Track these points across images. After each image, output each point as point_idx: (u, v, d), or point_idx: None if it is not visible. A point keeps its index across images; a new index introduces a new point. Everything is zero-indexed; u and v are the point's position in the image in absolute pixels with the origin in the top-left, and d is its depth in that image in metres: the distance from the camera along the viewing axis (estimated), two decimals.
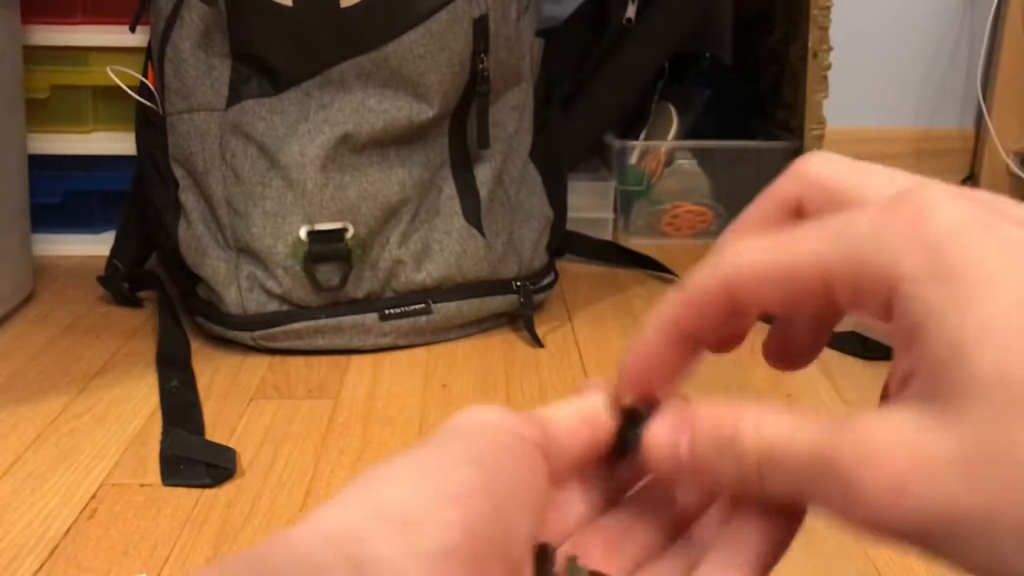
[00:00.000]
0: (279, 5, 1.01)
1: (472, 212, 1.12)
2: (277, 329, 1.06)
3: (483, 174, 1.13)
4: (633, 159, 1.48)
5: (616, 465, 0.28)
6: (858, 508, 0.20)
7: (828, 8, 1.38)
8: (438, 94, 1.06)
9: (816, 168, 0.25)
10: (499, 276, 1.13)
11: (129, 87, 1.13)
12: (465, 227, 1.11)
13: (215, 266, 1.07)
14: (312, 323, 1.06)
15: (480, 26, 1.07)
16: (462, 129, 1.12)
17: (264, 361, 1.05)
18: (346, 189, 1.05)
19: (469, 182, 1.12)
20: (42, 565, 0.70)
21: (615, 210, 1.47)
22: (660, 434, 0.25)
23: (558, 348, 1.10)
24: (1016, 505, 0.18)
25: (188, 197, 1.09)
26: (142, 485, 0.81)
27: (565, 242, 1.31)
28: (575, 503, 0.28)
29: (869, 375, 1.01)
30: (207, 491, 0.80)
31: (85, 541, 0.73)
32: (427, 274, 1.09)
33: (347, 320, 1.07)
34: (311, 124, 1.04)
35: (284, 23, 1.02)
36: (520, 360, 1.07)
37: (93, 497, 0.79)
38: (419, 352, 1.09)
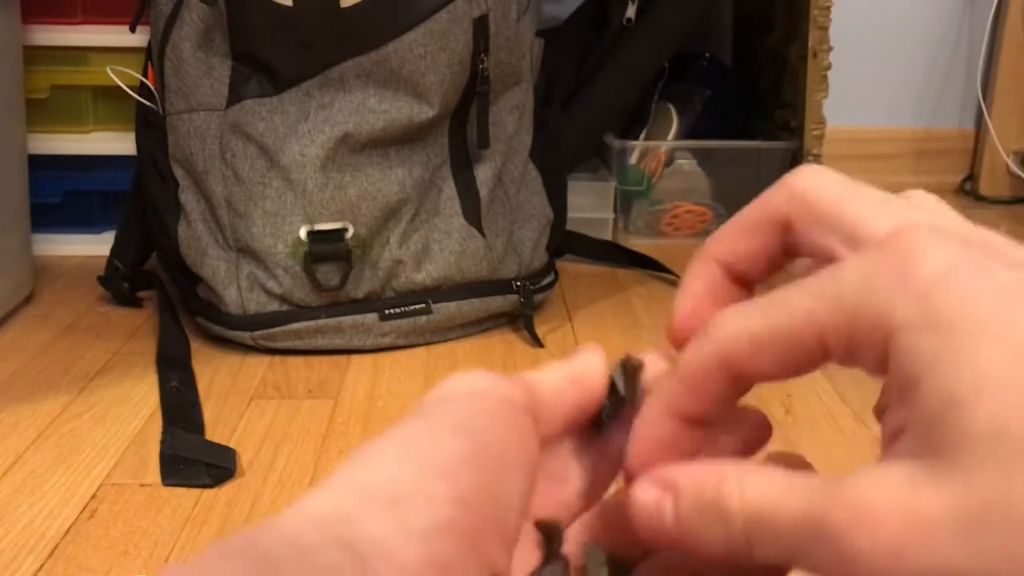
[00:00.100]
0: (279, 5, 1.01)
1: (472, 212, 1.12)
2: (277, 329, 1.06)
3: (483, 174, 1.13)
4: (633, 159, 1.48)
5: (605, 428, 0.27)
6: (853, 573, 0.19)
7: (828, 8, 1.38)
8: (438, 94, 1.06)
9: (805, 184, 0.25)
10: (499, 276, 1.13)
11: (129, 87, 1.13)
12: (465, 227, 1.11)
13: (215, 266, 1.07)
14: (312, 323, 1.06)
15: (480, 26, 1.07)
16: (462, 129, 1.12)
17: (264, 361, 1.05)
18: (346, 189, 1.05)
19: (469, 182, 1.12)
20: (42, 565, 0.70)
21: (615, 210, 1.47)
22: (643, 500, 0.24)
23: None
24: (1017, 566, 0.18)
25: (188, 197, 1.09)
26: (142, 485, 0.81)
27: (565, 242, 1.31)
28: (572, 471, 0.27)
29: (869, 376, 1.01)
30: (207, 491, 0.80)
31: (85, 541, 0.73)
32: (427, 274, 1.09)
33: (347, 320, 1.07)
34: (311, 124, 1.04)
35: (284, 23, 1.02)
36: (520, 360, 1.07)
37: (93, 497, 0.79)
38: (419, 352, 1.09)
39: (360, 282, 1.07)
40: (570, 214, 1.30)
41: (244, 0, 1.02)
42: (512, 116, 1.17)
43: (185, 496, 0.79)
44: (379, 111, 1.05)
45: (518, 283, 1.14)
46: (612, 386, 0.27)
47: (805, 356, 0.23)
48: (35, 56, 1.25)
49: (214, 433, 0.90)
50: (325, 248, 1.05)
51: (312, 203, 1.04)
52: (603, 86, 1.42)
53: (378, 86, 1.05)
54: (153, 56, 1.09)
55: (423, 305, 1.09)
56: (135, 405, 0.95)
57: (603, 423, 0.27)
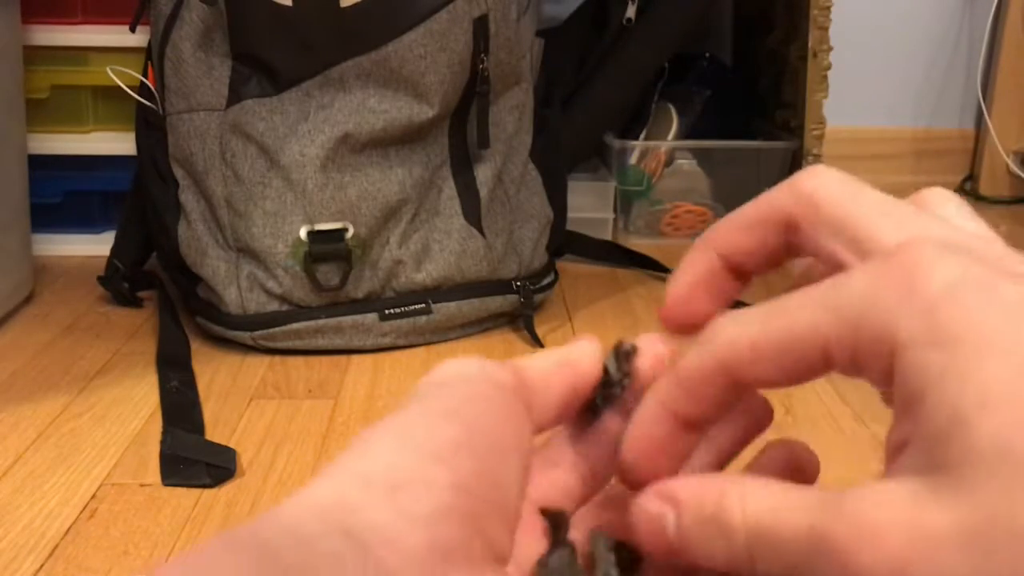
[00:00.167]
0: (279, 5, 1.01)
1: (472, 212, 1.12)
2: (277, 329, 1.06)
3: (483, 174, 1.13)
4: (633, 159, 1.48)
5: (601, 413, 0.27)
6: None
7: (828, 8, 1.38)
8: (438, 94, 1.06)
9: (813, 184, 0.25)
10: (499, 276, 1.13)
11: (129, 87, 1.13)
12: (465, 227, 1.11)
13: (215, 266, 1.07)
14: (312, 323, 1.06)
15: (480, 26, 1.07)
16: (462, 129, 1.12)
17: (264, 361, 1.05)
18: (346, 189, 1.05)
19: (469, 182, 1.12)
20: (42, 565, 0.70)
21: (615, 210, 1.47)
22: (645, 512, 0.24)
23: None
24: None
25: (188, 197, 1.09)
26: (142, 485, 0.81)
27: (565, 242, 1.31)
28: (568, 457, 0.27)
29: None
30: (207, 491, 0.80)
31: (85, 541, 0.73)
32: (427, 274, 1.09)
33: (347, 320, 1.07)
34: (311, 124, 1.04)
35: (284, 23, 1.02)
36: None
37: (93, 497, 0.79)
38: (419, 352, 1.09)
39: (360, 282, 1.07)
40: (570, 214, 1.30)
41: (244, 0, 1.02)
42: (512, 116, 1.17)
43: (185, 496, 0.79)
44: (379, 111, 1.05)
45: (518, 283, 1.14)
46: (606, 371, 0.27)
47: (807, 365, 0.22)
48: (35, 56, 1.25)
49: (214, 433, 0.90)
50: (325, 248, 1.05)
51: (312, 203, 1.04)
52: (603, 86, 1.42)
53: (378, 86, 1.05)
54: (153, 56, 1.09)
55: (423, 305, 1.09)
56: (135, 405, 0.95)
57: (598, 408, 0.27)
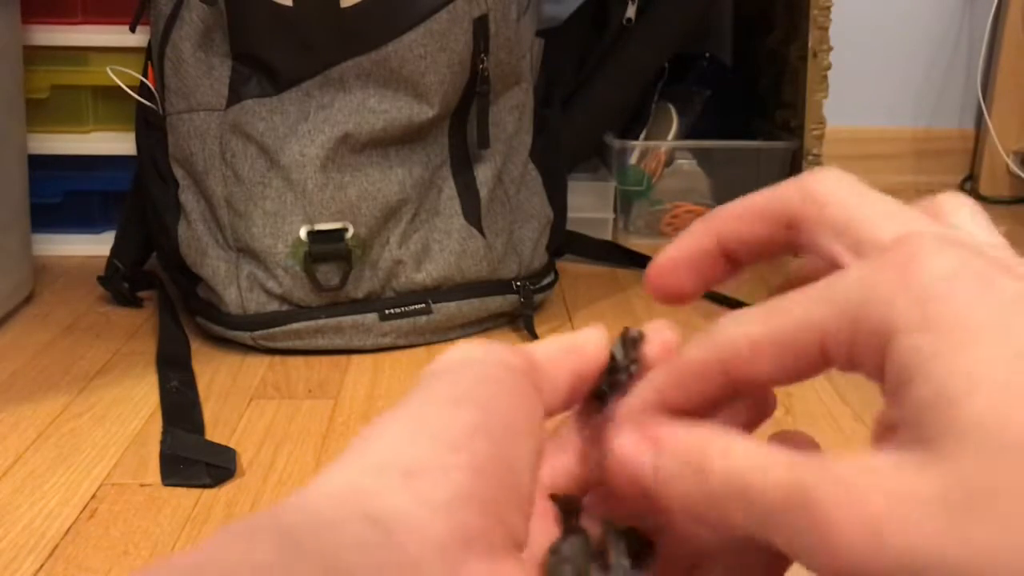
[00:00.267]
0: (279, 5, 1.01)
1: (472, 212, 1.12)
2: (277, 329, 1.06)
3: (483, 174, 1.13)
4: (633, 159, 1.48)
5: (607, 400, 0.27)
6: (829, 550, 0.19)
7: (828, 8, 1.38)
8: (438, 94, 1.06)
9: (819, 186, 0.25)
10: (499, 276, 1.13)
11: (129, 87, 1.13)
12: (465, 227, 1.11)
13: (215, 266, 1.07)
14: (312, 323, 1.06)
15: (480, 26, 1.07)
16: (462, 129, 1.12)
17: (264, 361, 1.05)
18: (346, 189, 1.05)
19: (469, 182, 1.12)
20: (42, 565, 0.70)
21: (615, 210, 1.47)
22: (623, 449, 0.24)
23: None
24: (994, 552, 0.18)
25: (188, 197, 1.09)
26: (142, 485, 0.81)
27: (565, 242, 1.31)
28: (576, 443, 0.27)
29: (870, 381, 1.01)
30: (207, 491, 0.80)
31: (85, 541, 0.73)
32: (427, 274, 1.09)
33: (347, 320, 1.07)
34: (311, 124, 1.04)
35: (284, 23, 1.02)
36: None
37: (93, 497, 0.79)
38: (419, 352, 1.09)
39: (360, 282, 1.07)
40: (570, 214, 1.30)
41: (244, 0, 1.02)
42: (512, 116, 1.17)
43: (185, 496, 0.79)
44: (379, 111, 1.05)
45: (518, 283, 1.14)
46: (613, 358, 0.27)
47: (805, 361, 0.23)
48: (35, 56, 1.25)
49: (214, 433, 0.90)
50: (325, 248, 1.05)
51: (312, 203, 1.04)
52: (603, 86, 1.42)
53: (378, 86, 1.05)
54: (153, 56, 1.09)
55: (423, 305, 1.09)
56: (135, 405, 0.95)
57: (605, 395, 0.27)
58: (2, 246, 1.13)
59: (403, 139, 1.07)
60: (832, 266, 0.24)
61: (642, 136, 1.50)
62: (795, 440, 0.26)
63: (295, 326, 1.06)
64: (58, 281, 1.27)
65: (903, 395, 0.20)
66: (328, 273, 1.06)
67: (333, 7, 1.02)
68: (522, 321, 1.14)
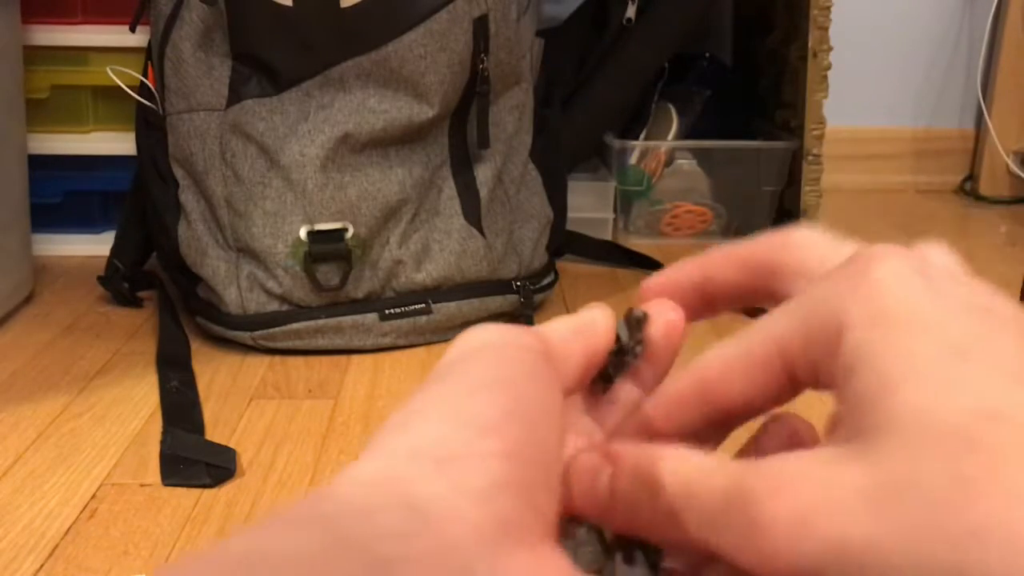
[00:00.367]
0: (279, 5, 1.01)
1: (472, 212, 1.12)
2: (277, 329, 1.06)
3: (483, 174, 1.13)
4: (633, 159, 1.48)
5: (613, 381, 0.27)
6: (760, 541, 0.20)
7: (828, 8, 1.38)
8: (438, 94, 1.06)
9: (800, 236, 0.26)
10: (499, 276, 1.13)
11: (129, 87, 1.13)
12: (465, 227, 1.11)
13: (215, 266, 1.07)
14: (312, 323, 1.06)
15: (480, 26, 1.07)
16: (462, 129, 1.12)
17: (264, 361, 1.05)
18: (346, 189, 1.05)
19: (469, 182, 1.12)
20: (42, 565, 0.70)
21: (615, 210, 1.47)
22: (583, 466, 0.24)
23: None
24: (915, 540, 0.18)
25: (188, 197, 1.09)
26: (142, 485, 0.81)
27: (565, 242, 1.31)
28: (583, 425, 0.27)
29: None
30: (207, 491, 0.80)
31: (85, 541, 0.73)
32: (427, 274, 1.09)
33: (347, 320, 1.07)
34: (311, 124, 1.04)
35: (284, 23, 1.02)
36: None
37: (93, 497, 0.79)
38: (419, 352, 1.09)
39: (360, 282, 1.07)
40: (570, 214, 1.30)
41: (244, 0, 1.02)
42: (512, 116, 1.17)
43: (185, 496, 0.79)
44: (379, 111, 1.05)
45: (518, 283, 1.14)
46: (618, 339, 0.27)
47: (772, 375, 0.23)
48: (35, 56, 1.25)
49: (214, 433, 0.90)
50: (325, 248, 1.05)
51: (312, 203, 1.04)
52: (603, 86, 1.42)
53: (378, 86, 1.05)
54: (153, 56, 1.09)
55: (423, 305, 1.09)
56: (135, 405, 0.95)
57: (611, 376, 0.27)
58: (2, 246, 1.13)
59: (403, 139, 1.07)
60: None
61: (642, 136, 1.50)
62: (789, 423, 0.27)
63: (295, 326, 1.06)
64: (58, 281, 1.27)
65: (846, 388, 0.21)
66: (328, 273, 1.06)
67: (333, 7, 1.02)
68: (522, 321, 1.14)
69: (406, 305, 1.08)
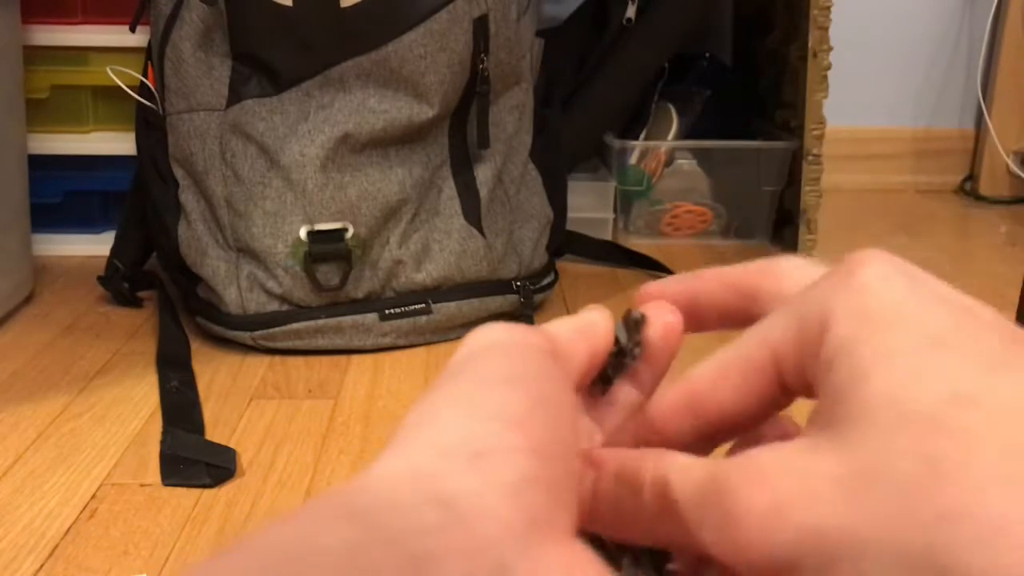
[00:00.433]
0: (279, 5, 1.01)
1: (472, 212, 1.12)
2: (277, 329, 1.06)
3: (483, 174, 1.13)
4: (633, 159, 1.48)
5: (612, 382, 0.28)
6: (734, 532, 0.20)
7: (828, 8, 1.38)
8: (438, 94, 1.06)
9: (782, 264, 0.27)
10: (499, 276, 1.13)
11: (129, 87, 1.13)
12: (465, 227, 1.11)
13: (215, 266, 1.07)
14: (312, 323, 1.06)
15: (480, 26, 1.07)
16: (462, 129, 1.12)
17: (264, 361, 1.05)
18: (346, 189, 1.05)
19: (469, 182, 1.12)
20: (42, 565, 0.70)
21: (615, 210, 1.47)
22: None
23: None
24: (889, 527, 0.18)
25: (188, 197, 1.09)
26: (142, 485, 0.81)
27: (565, 242, 1.31)
28: (583, 426, 0.28)
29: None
30: (207, 491, 0.80)
31: (85, 541, 0.73)
32: (427, 274, 1.09)
33: (347, 320, 1.07)
34: (311, 124, 1.04)
35: (284, 23, 1.02)
36: None
37: (93, 497, 0.79)
38: (419, 352, 1.09)
39: (360, 282, 1.07)
40: (570, 214, 1.30)
41: (244, 0, 1.02)
42: (512, 116, 1.17)
43: (185, 496, 0.79)
44: (379, 111, 1.05)
45: (518, 283, 1.14)
46: (617, 341, 0.27)
47: (763, 380, 0.24)
48: (35, 56, 1.25)
49: (214, 433, 0.90)
50: (325, 248, 1.05)
51: (312, 203, 1.04)
52: (603, 86, 1.42)
53: (378, 86, 1.05)
54: (153, 56, 1.09)
55: (423, 305, 1.09)
56: (135, 405, 0.95)
57: (609, 378, 0.27)
58: (2, 246, 1.13)
59: (403, 139, 1.07)
60: None
61: (642, 136, 1.50)
62: (780, 425, 0.27)
63: (295, 326, 1.06)
64: (58, 281, 1.27)
65: (825, 383, 0.21)
66: (328, 273, 1.06)
67: (333, 7, 1.02)
68: (522, 321, 1.14)
69: (406, 305, 1.08)
